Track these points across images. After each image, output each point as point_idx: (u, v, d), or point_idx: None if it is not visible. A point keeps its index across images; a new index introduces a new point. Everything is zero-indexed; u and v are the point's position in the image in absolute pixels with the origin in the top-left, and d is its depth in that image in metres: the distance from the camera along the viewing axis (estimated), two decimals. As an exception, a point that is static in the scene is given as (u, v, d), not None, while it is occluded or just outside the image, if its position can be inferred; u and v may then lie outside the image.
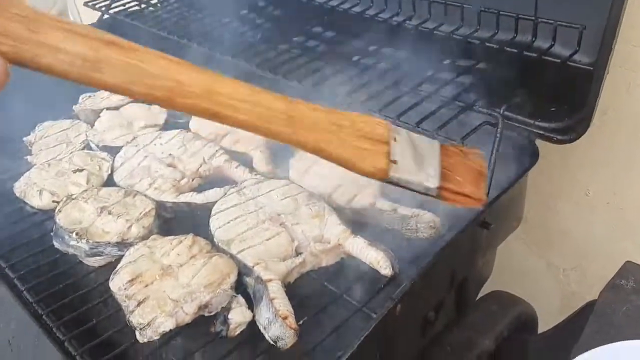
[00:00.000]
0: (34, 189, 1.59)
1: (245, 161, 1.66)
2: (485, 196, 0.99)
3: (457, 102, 1.37)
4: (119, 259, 1.39)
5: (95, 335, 1.24)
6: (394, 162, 0.91)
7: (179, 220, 1.55)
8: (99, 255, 1.39)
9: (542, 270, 2.24)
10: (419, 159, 0.93)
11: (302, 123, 0.85)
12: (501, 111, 1.27)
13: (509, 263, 1.95)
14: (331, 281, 1.29)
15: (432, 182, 0.92)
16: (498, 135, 1.23)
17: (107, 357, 1.18)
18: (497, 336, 1.33)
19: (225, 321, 1.15)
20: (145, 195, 1.53)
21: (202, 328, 1.22)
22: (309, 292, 1.26)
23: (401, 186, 0.94)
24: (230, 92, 0.81)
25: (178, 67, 0.78)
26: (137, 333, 1.17)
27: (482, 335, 1.32)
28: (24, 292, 1.37)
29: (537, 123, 1.40)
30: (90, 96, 2.02)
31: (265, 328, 1.14)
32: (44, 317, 1.29)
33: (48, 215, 1.59)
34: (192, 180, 1.61)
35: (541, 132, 1.39)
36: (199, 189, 1.59)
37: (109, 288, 1.29)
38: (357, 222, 1.39)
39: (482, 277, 1.50)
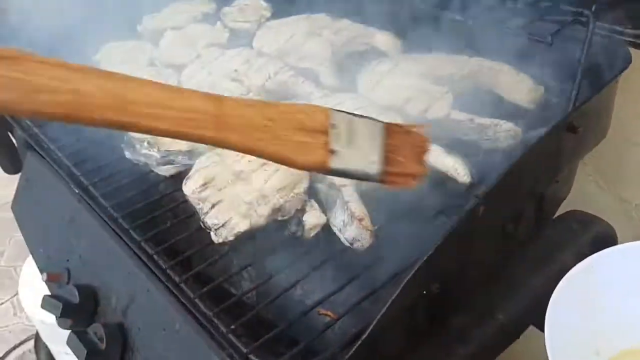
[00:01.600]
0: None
1: (311, 76, 1.62)
2: (426, 171, 0.96)
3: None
4: (189, 168, 1.40)
5: (169, 238, 1.26)
6: (334, 152, 0.87)
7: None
8: (170, 164, 1.40)
9: (614, 206, 2.15)
10: (360, 145, 0.89)
11: (231, 123, 0.81)
12: (592, 9, 1.18)
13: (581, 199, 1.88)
14: (404, 190, 1.25)
15: (374, 169, 0.90)
16: (588, 34, 1.15)
17: (181, 257, 1.20)
18: (578, 253, 1.27)
19: (300, 223, 1.14)
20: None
21: (275, 232, 1.22)
22: (381, 200, 1.23)
23: (343, 176, 0.93)
24: (146, 98, 0.76)
25: (78, 76, 0.70)
26: (212, 234, 1.18)
27: (563, 251, 1.27)
28: (99, 198, 1.40)
29: (627, 30, 1.30)
30: (153, 16, 2.01)
31: (340, 230, 1.12)
32: (119, 220, 1.32)
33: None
34: (259, 95, 1.59)
35: (631, 39, 1.29)
36: (265, 104, 1.57)
37: (182, 194, 1.30)
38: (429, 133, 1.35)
39: (562, 193, 1.43)
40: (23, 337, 3.36)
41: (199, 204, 1.22)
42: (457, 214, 1.06)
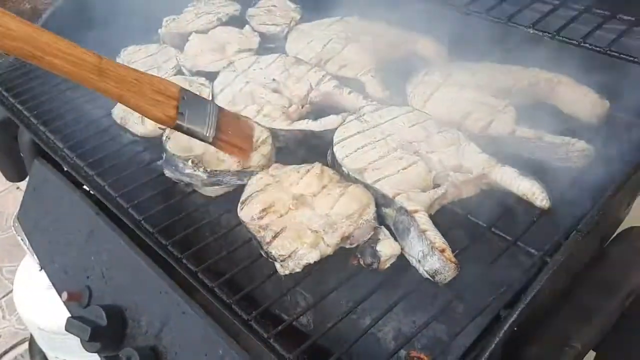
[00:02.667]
0: (134, 115, 1.50)
1: (355, 86, 1.54)
2: (251, 148, 1.29)
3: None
4: (237, 188, 1.32)
5: (225, 269, 1.18)
6: (182, 114, 1.18)
7: (290, 149, 1.46)
8: (218, 185, 1.31)
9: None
10: (201, 115, 1.21)
11: (109, 75, 1.11)
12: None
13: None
14: (474, 213, 1.20)
15: (210, 132, 1.22)
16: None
17: (245, 292, 1.11)
18: (647, 274, 1.23)
19: (375, 254, 1.07)
20: (257, 123, 1.43)
21: (341, 261, 1.15)
22: (452, 225, 1.17)
23: (185, 132, 1.21)
24: (49, 41, 1.04)
25: (6, 18, 0.99)
26: (277, 265, 1.10)
27: (630, 272, 1.23)
28: (142, 221, 1.31)
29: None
30: (174, 19, 1.90)
31: (420, 261, 1.06)
32: (169, 247, 1.23)
33: (150, 143, 1.51)
34: (302, 107, 1.51)
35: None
36: (308, 116, 1.49)
37: (234, 218, 1.22)
38: (491, 152, 1.28)
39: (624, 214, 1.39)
40: (14, 342, 3.26)
41: (259, 232, 1.14)
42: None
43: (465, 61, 1.52)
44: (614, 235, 1.36)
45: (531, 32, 1.34)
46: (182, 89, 1.21)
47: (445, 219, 1.18)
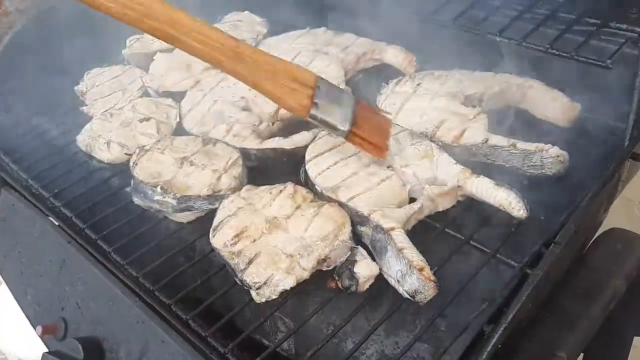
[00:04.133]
0: (99, 142, 1.46)
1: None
2: (388, 147, 1.19)
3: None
4: (209, 213, 1.28)
5: (202, 297, 1.14)
6: (316, 104, 1.13)
7: (262, 169, 1.42)
8: (189, 210, 1.27)
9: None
10: (337, 106, 1.15)
11: (245, 60, 1.09)
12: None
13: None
14: (452, 226, 1.18)
15: (345, 126, 1.14)
16: (643, 54, 1.09)
17: (221, 323, 1.07)
18: (627, 276, 1.23)
19: (353, 276, 1.04)
20: (226, 143, 1.39)
21: (319, 283, 1.12)
22: (429, 240, 1.15)
23: (319, 123, 1.15)
24: (189, 24, 1.05)
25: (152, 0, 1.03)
26: (253, 293, 1.07)
27: (612, 276, 1.22)
28: (112, 253, 1.26)
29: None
30: (138, 38, 1.85)
31: (399, 281, 1.03)
32: (140, 279, 1.19)
33: (118, 169, 1.47)
34: (272, 124, 1.47)
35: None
36: (280, 134, 1.46)
37: (208, 244, 1.19)
38: (465, 161, 1.26)
39: (603, 217, 1.38)
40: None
41: (233, 258, 1.11)
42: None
43: (435, 70, 1.51)
44: (594, 238, 1.36)
45: (498, 39, 1.32)
46: (319, 78, 1.17)
47: (423, 234, 1.16)
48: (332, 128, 1.14)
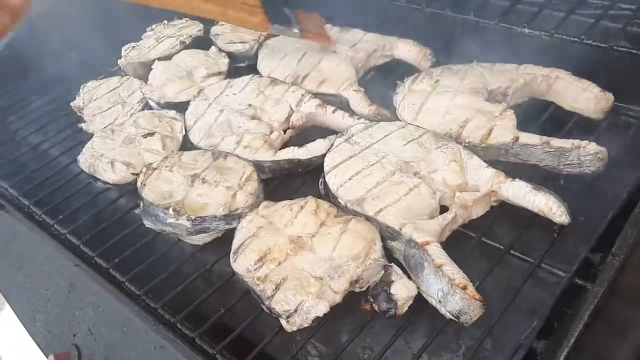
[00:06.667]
0: (102, 162, 1.37)
1: (339, 103, 1.43)
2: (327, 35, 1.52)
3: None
4: (226, 232, 1.21)
5: (227, 325, 1.07)
6: (270, 17, 1.40)
7: (276, 181, 1.34)
8: (205, 232, 1.20)
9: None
10: (284, 16, 1.42)
11: None
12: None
13: None
14: (488, 235, 1.10)
15: (297, 28, 1.46)
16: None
17: (251, 356, 1.00)
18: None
19: (390, 298, 0.97)
20: (237, 156, 1.31)
21: (351, 306, 1.04)
22: (466, 252, 1.07)
23: (279, 33, 1.46)
24: None
25: None
26: (283, 322, 0.99)
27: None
28: (126, 283, 1.19)
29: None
30: (134, 46, 1.76)
31: (440, 302, 0.96)
32: (159, 310, 1.12)
33: (124, 190, 1.38)
34: (284, 132, 1.39)
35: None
36: (293, 143, 1.38)
37: (228, 267, 1.11)
38: (492, 162, 1.18)
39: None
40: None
41: (258, 285, 1.03)
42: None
43: (452, 64, 1.42)
44: None
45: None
46: None
47: (458, 245, 1.08)
48: (290, 33, 1.43)
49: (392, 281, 0.99)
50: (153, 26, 1.87)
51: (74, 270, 1.32)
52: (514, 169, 1.17)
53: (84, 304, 1.31)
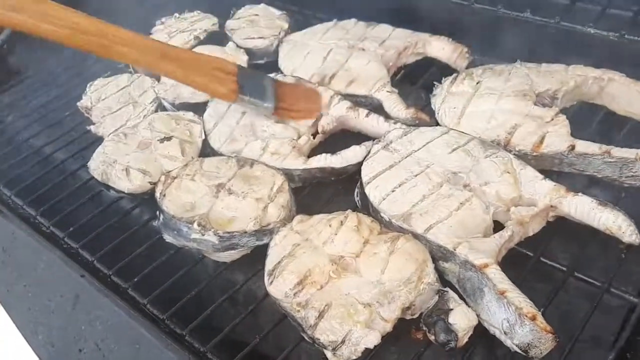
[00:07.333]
0: (116, 169, 1.26)
1: (371, 105, 1.33)
2: (319, 108, 1.31)
3: None
4: (255, 249, 1.11)
5: (262, 353, 0.98)
6: (242, 87, 1.23)
7: (306, 190, 1.24)
8: (233, 249, 1.09)
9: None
10: (259, 88, 1.26)
11: (172, 58, 1.18)
12: None
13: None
14: (547, 254, 1.01)
15: (270, 102, 1.26)
16: None
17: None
18: None
19: (449, 328, 0.87)
20: (265, 164, 1.21)
21: (400, 334, 0.95)
22: (524, 273, 0.98)
23: (248, 104, 1.26)
24: (118, 33, 1.12)
25: (78, 16, 1.09)
26: (328, 354, 0.90)
27: None
28: (147, 305, 1.08)
29: None
30: (144, 42, 1.64)
31: (505, 333, 0.86)
32: (186, 337, 1.01)
33: (139, 198, 1.28)
34: (313, 137, 1.29)
35: None
36: (322, 148, 1.28)
37: (259, 289, 1.02)
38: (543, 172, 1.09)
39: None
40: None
41: (298, 311, 0.93)
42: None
43: (492, 63, 1.33)
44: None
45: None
46: (238, 65, 1.28)
47: (514, 265, 0.99)
48: (260, 106, 1.25)
49: (451, 309, 0.89)
50: (163, 19, 1.75)
51: (79, 281, 1.22)
52: (566, 180, 1.07)
53: (92, 317, 1.21)
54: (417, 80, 1.43)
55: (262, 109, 1.26)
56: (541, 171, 1.07)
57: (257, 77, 1.30)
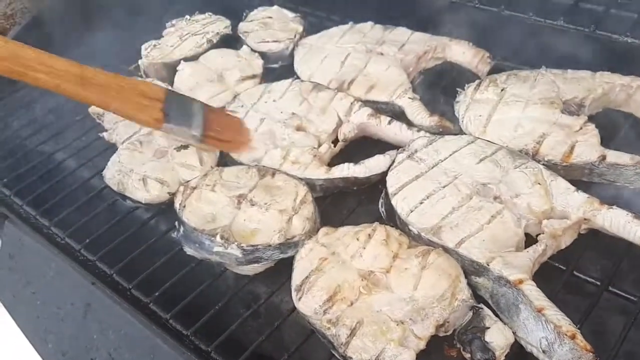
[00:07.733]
0: (133, 178, 1.23)
1: (391, 111, 1.31)
2: (248, 140, 1.26)
3: None
4: (279, 261, 1.08)
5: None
6: (167, 115, 1.18)
7: (328, 200, 1.22)
8: (257, 262, 1.07)
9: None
10: (187, 115, 1.21)
11: (92, 83, 1.12)
12: None
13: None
14: (580, 268, 0.99)
15: (197, 131, 1.20)
16: None
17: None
18: None
19: (485, 347, 0.85)
20: (286, 173, 1.18)
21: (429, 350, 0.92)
22: (557, 288, 0.96)
23: (172, 133, 1.21)
24: (32, 57, 1.07)
25: None
26: (361, 373, 0.88)
27: None
28: (170, 320, 1.06)
29: None
30: (155, 45, 1.61)
31: (544, 351, 0.84)
32: (212, 353, 0.99)
33: (156, 209, 1.25)
34: (334, 145, 1.26)
35: None
36: (343, 156, 1.26)
37: (284, 303, 0.99)
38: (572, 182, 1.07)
39: None
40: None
41: (329, 328, 0.91)
42: None
43: (515, 69, 1.30)
44: None
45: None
46: (167, 90, 1.24)
47: (547, 280, 0.96)
48: (185, 135, 1.20)
49: (487, 327, 0.87)
50: (174, 21, 1.71)
51: (91, 289, 1.19)
52: (594, 190, 1.05)
53: (104, 326, 1.19)
54: (437, 86, 1.40)
55: (190, 137, 1.21)
56: (570, 182, 1.06)
57: (187, 103, 1.24)
